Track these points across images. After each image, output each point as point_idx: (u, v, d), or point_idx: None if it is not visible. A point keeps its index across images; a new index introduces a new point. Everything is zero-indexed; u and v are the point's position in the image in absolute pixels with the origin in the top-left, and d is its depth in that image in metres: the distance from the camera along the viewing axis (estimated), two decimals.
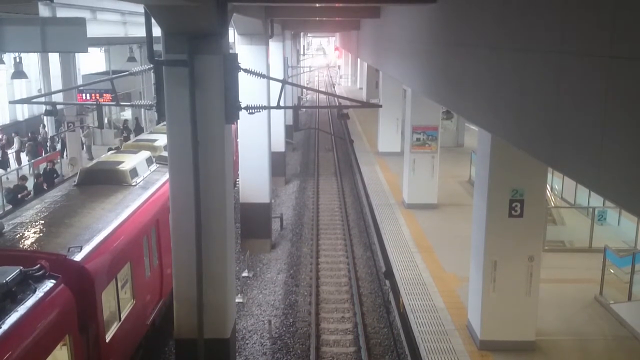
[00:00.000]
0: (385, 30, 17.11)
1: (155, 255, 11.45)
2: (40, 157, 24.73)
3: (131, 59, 32.02)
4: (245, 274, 16.03)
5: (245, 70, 9.15)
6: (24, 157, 27.14)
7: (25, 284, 7.22)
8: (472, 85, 7.76)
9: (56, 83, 25.67)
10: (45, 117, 30.29)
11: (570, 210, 16.50)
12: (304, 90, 45.12)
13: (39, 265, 7.58)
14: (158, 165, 13.82)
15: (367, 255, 17.48)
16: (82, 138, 27.92)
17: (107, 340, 8.82)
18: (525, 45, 5.80)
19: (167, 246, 11.00)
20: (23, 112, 36.31)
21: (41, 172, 21.96)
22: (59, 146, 28.36)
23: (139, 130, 31.80)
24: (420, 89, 12.11)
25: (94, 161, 13.62)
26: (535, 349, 10.08)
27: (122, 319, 9.48)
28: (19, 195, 19.24)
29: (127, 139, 27.96)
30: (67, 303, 7.54)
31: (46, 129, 30.99)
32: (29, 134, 30.44)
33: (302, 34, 49.13)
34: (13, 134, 30.32)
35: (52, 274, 7.66)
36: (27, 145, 27.50)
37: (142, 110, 33.71)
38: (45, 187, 19.96)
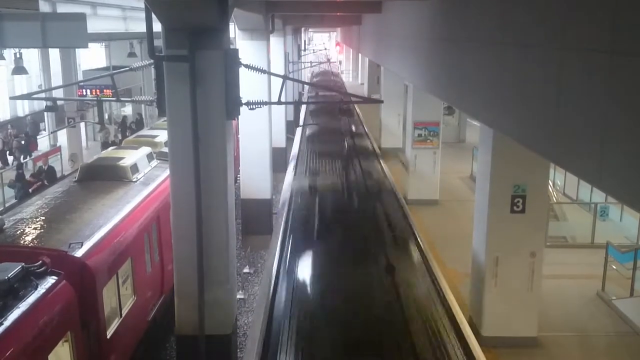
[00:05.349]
0: (386, 25, 17.05)
1: (156, 251, 11.44)
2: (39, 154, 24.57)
3: (132, 55, 31.97)
4: (246, 270, 16.02)
5: (246, 66, 9.11)
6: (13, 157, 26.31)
7: (27, 280, 7.22)
8: (473, 81, 7.73)
9: (56, 79, 25.63)
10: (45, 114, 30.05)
11: (572, 206, 16.46)
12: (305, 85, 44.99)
13: (40, 262, 7.58)
14: (159, 161, 13.79)
15: None
16: (100, 136, 28.00)
17: (108, 337, 8.82)
18: (527, 40, 5.76)
19: (168, 242, 10.98)
20: (24, 108, 36.28)
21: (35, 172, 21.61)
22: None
23: (139, 126, 31.72)
24: (421, 85, 12.06)
25: (95, 157, 13.59)
26: (537, 344, 10.06)
27: (123, 315, 9.48)
28: (30, 190, 19.22)
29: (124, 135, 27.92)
30: (68, 299, 7.54)
31: (9, 130, 28.61)
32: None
33: (303, 29, 48.99)
34: None
35: (54, 270, 7.66)
36: (14, 142, 26.58)
37: (143, 106, 33.68)
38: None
